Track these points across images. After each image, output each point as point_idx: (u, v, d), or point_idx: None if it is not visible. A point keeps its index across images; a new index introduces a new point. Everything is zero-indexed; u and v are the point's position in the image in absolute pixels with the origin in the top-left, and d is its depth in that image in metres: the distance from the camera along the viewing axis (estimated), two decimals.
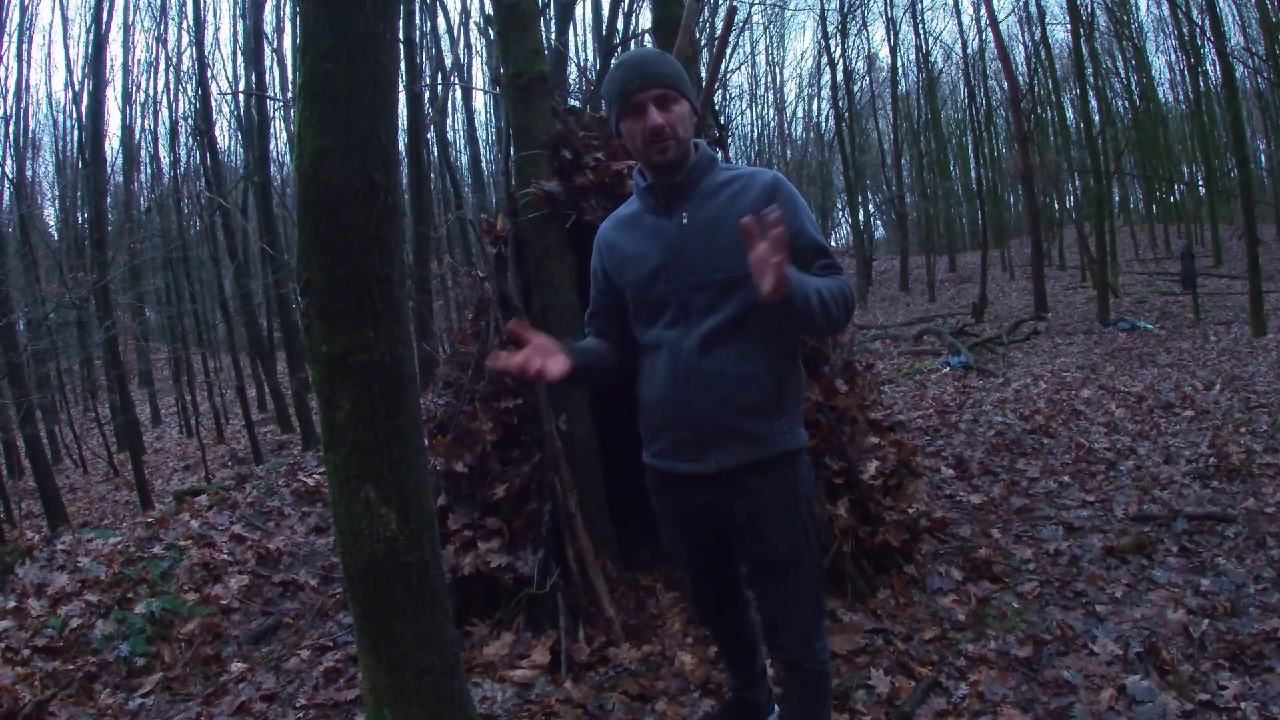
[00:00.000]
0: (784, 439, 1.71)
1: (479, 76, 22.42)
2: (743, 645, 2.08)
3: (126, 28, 18.64)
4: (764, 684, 2.15)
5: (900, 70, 26.92)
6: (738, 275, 1.60)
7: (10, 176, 15.52)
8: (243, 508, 4.89)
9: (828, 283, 1.60)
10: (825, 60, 25.31)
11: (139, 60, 26.32)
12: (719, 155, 1.89)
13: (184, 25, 16.81)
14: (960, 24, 34.79)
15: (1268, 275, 14.90)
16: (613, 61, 2.61)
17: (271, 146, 16.21)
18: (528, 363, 1.58)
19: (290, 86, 15.98)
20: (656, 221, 1.74)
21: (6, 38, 15.83)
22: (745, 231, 1.44)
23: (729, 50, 20.69)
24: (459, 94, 19.48)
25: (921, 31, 25.97)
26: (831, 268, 1.67)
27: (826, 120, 29.60)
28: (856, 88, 27.86)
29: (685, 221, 1.70)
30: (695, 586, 2.03)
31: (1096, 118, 19.40)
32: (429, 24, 16.08)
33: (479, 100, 23.93)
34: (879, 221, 38.50)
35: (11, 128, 15.99)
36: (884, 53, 45.63)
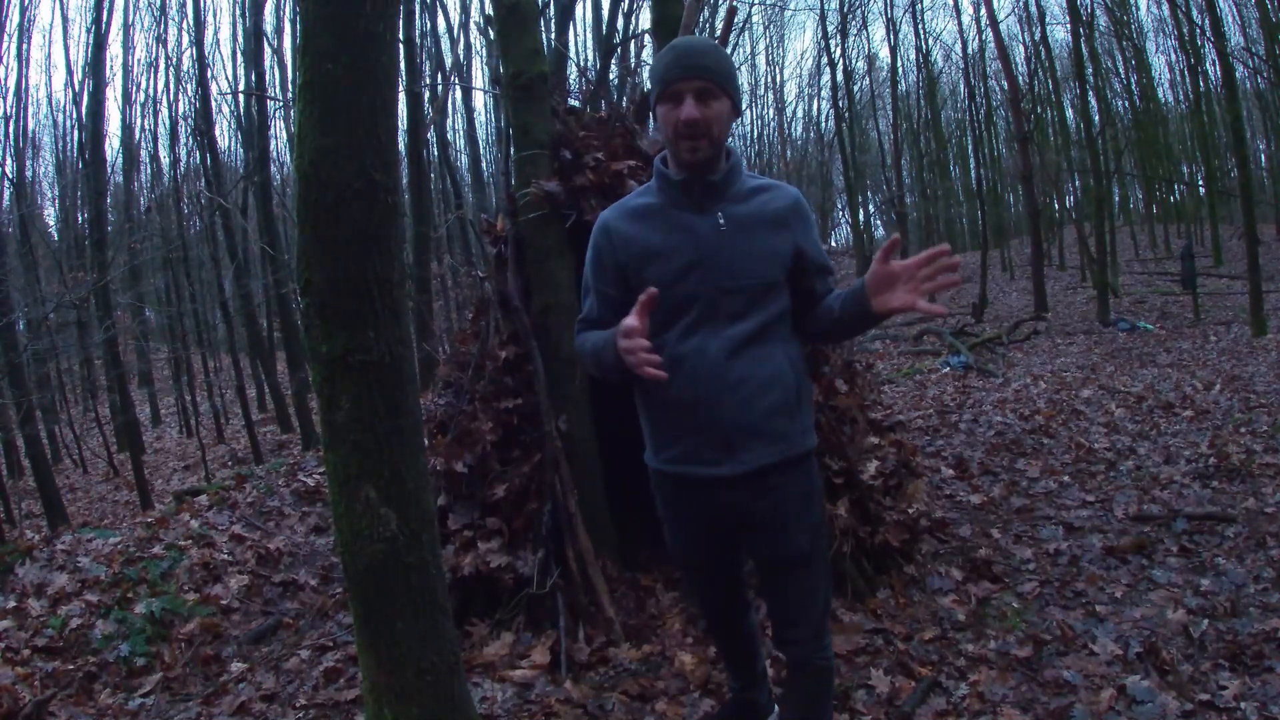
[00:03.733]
0: (804, 437, 1.74)
1: (479, 76, 22.45)
2: (746, 648, 2.09)
3: (126, 28, 18.64)
4: (764, 685, 2.16)
5: (900, 70, 26.98)
6: (768, 282, 1.65)
7: (10, 176, 15.52)
8: (243, 508, 4.89)
9: None
10: (825, 60, 25.33)
11: (139, 60, 26.34)
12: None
13: (184, 25, 16.85)
14: (960, 24, 34.80)
15: (1268, 275, 14.89)
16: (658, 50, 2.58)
17: (271, 146, 16.27)
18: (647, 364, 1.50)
19: (290, 86, 16.00)
20: (688, 217, 1.67)
21: (6, 38, 15.85)
22: (922, 262, 1.52)
23: (729, 50, 20.64)
24: (459, 94, 19.48)
25: (921, 31, 26.05)
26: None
27: (826, 120, 29.64)
28: (856, 88, 27.90)
29: (721, 222, 1.65)
30: (703, 590, 2.03)
31: (1096, 118, 19.37)
32: (429, 24, 16.12)
33: (479, 100, 23.96)
34: (879, 221, 38.46)
35: (11, 128, 15.99)
36: (884, 53, 45.71)
